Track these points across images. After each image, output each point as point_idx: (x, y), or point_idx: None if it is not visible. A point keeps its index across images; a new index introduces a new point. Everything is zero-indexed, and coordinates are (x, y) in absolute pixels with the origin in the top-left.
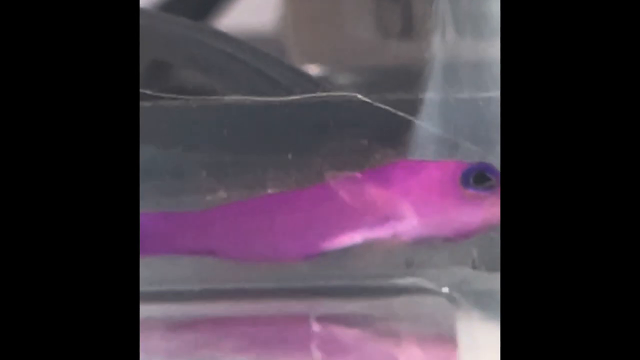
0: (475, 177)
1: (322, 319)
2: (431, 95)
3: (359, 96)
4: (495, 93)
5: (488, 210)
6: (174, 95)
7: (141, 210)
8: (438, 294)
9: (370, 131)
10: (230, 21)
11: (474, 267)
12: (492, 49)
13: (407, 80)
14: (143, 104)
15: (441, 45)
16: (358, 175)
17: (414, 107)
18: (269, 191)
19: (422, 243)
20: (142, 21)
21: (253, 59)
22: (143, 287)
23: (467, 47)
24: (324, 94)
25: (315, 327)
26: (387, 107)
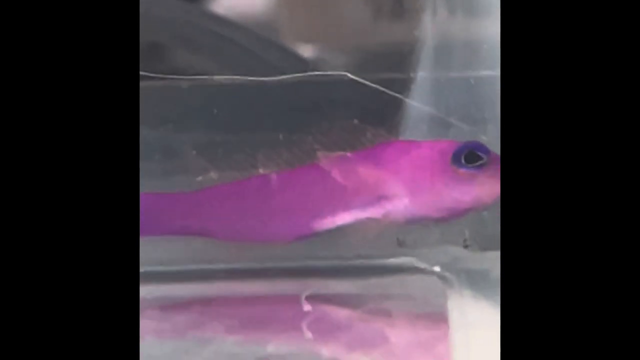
0: (466, 156)
1: (313, 298)
2: (423, 74)
3: (350, 75)
4: (487, 72)
5: (479, 189)
6: (164, 75)
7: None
8: (430, 273)
9: (362, 111)
10: (223, 3)
11: (466, 246)
12: (484, 28)
13: (398, 60)
14: None
15: (432, 24)
16: (349, 155)
17: (405, 86)
18: (260, 171)
19: (414, 222)
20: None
21: (243, 39)
22: None
23: (458, 26)
24: (315, 73)
25: (306, 307)
26: (378, 87)
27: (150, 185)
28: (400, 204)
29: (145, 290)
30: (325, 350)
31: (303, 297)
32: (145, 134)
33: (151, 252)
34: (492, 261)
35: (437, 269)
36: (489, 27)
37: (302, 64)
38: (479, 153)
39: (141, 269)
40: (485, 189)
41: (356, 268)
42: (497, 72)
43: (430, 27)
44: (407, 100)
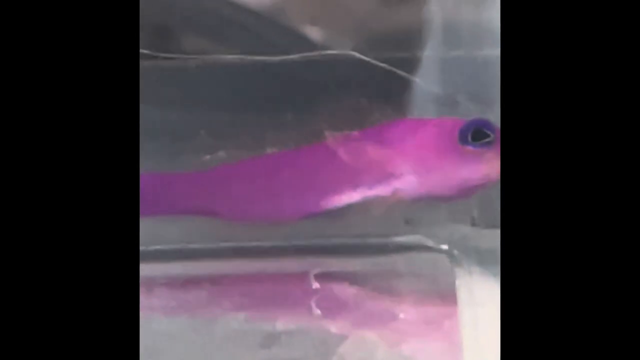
0: (473, 133)
1: (322, 276)
2: (430, 53)
3: (357, 55)
4: (494, 51)
5: (487, 167)
6: (172, 55)
7: (141, 171)
8: (437, 251)
9: (369, 90)
10: None
11: (474, 225)
12: (491, 8)
13: (405, 39)
14: (142, 63)
15: (439, 4)
16: (356, 134)
17: (412, 65)
18: (268, 151)
19: (422, 200)
20: None
21: (250, 19)
22: (144, 247)
23: (466, 6)
24: (323, 52)
25: (315, 285)
26: (386, 66)
27: (158, 165)
28: (407, 182)
29: (154, 269)
30: (334, 327)
31: (312, 274)
32: (153, 113)
33: (159, 230)
34: (499, 239)
35: (445, 247)
36: (495, 8)
37: (309, 44)
38: (486, 130)
39: (149, 248)
40: (492, 166)
41: (364, 246)
42: None
43: (437, 7)
44: (414, 79)
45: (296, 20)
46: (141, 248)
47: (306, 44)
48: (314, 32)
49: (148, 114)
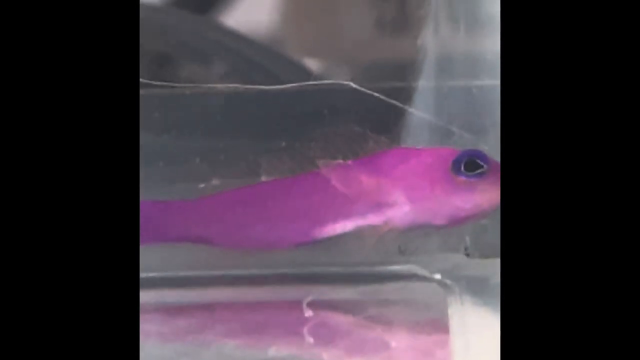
0: (466, 164)
1: (314, 305)
2: (424, 83)
3: (352, 84)
4: (489, 81)
5: (480, 197)
6: (168, 83)
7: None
8: (430, 280)
9: (364, 119)
10: (237, 17)
11: (467, 254)
12: (486, 40)
13: (400, 70)
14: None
15: (435, 36)
16: (350, 162)
17: (407, 95)
18: (262, 178)
19: (415, 230)
20: (144, 14)
21: (247, 49)
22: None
23: (461, 38)
24: (317, 82)
25: (308, 313)
26: (380, 95)
27: (153, 192)
28: (400, 211)
29: (148, 296)
30: (326, 356)
31: (305, 303)
32: (149, 140)
33: (153, 258)
34: (492, 268)
35: (437, 276)
36: (491, 38)
37: (305, 73)
38: (479, 161)
39: (144, 275)
40: (485, 197)
41: (357, 275)
42: (498, 82)
43: (432, 38)
44: (408, 108)
45: (293, 50)
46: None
47: (303, 73)
48: (310, 62)
49: (143, 141)
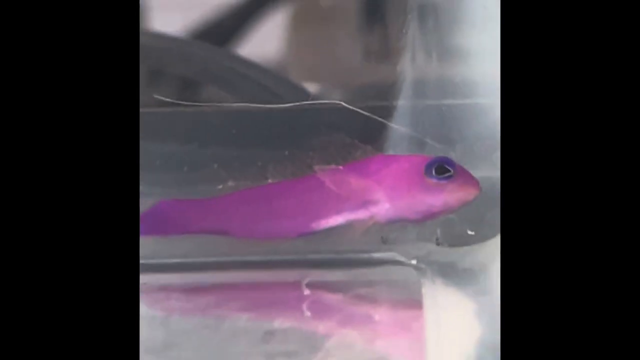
0: (436, 168)
1: (312, 285)
2: (403, 102)
3: (344, 103)
4: (455, 101)
5: (448, 196)
6: (192, 103)
7: (163, 197)
8: (407, 265)
9: (353, 132)
10: (249, 48)
11: (438, 243)
12: (453, 66)
13: (383, 91)
14: (166, 109)
15: (411, 64)
16: (341, 167)
17: (388, 112)
18: (269, 181)
19: (394, 223)
20: (172, 44)
21: (256, 74)
22: (164, 260)
23: (433, 65)
24: (315, 102)
25: (306, 292)
26: (366, 112)
27: (179, 193)
28: (382, 207)
29: (174, 278)
30: (321, 327)
31: (303, 283)
32: (176, 150)
33: (178, 247)
34: (459, 255)
35: (413, 261)
36: (458, 65)
37: (304, 94)
38: (447, 166)
39: (171, 261)
40: (452, 196)
41: (347, 260)
42: (464, 101)
43: (409, 65)
44: (389, 123)
45: (295, 75)
46: (163, 261)
47: (303, 94)
48: (309, 85)
49: (170, 151)
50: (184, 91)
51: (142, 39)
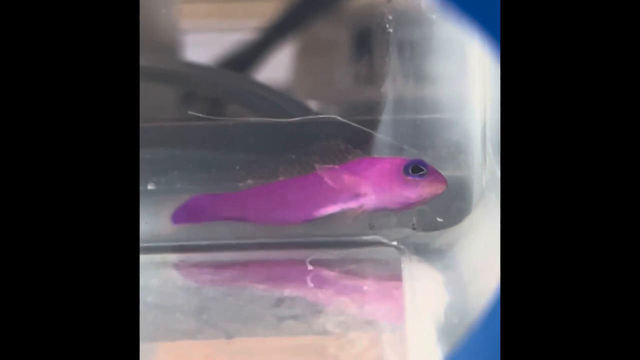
0: (412, 168)
1: (313, 262)
2: (386, 117)
3: (339, 118)
4: (428, 116)
5: (422, 190)
6: (218, 117)
7: (195, 194)
8: (390, 246)
9: (346, 139)
10: (264, 74)
11: (414, 228)
12: (426, 88)
13: (370, 108)
14: (196, 123)
15: (393, 85)
16: (337, 167)
17: (374, 125)
18: (280, 178)
19: (379, 212)
20: (202, 72)
21: (269, 94)
22: (198, 242)
23: (410, 87)
24: (316, 116)
25: (309, 268)
26: (357, 125)
27: (208, 189)
28: (369, 199)
29: (204, 257)
30: (321, 295)
31: (307, 261)
32: (206, 156)
33: (208, 232)
34: (431, 238)
35: (395, 243)
36: (430, 86)
37: (307, 110)
38: (421, 166)
39: (202, 243)
40: (425, 190)
41: (341, 242)
42: (434, 115)
43: (391, 87)
44: (375, 133)
45: (300, 95)
46: (196, 243)
47: (306, 110)
48: (311, 103)
49: (202, 156)
50: (211, 108)
51: (180, 68)
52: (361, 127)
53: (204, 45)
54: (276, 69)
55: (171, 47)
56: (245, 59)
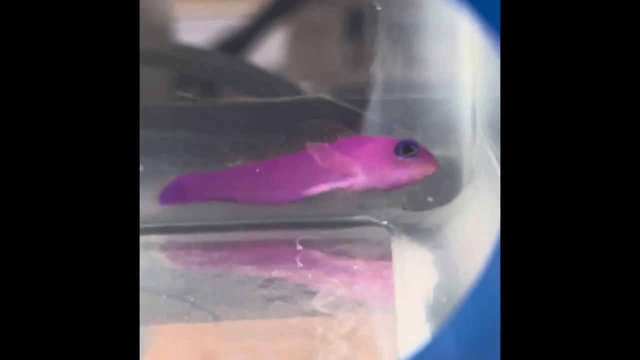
0: (403, 148)
1: (303, 242)
2: (375, 96)
3: (329, 97)
4: (417, 96)
5: (412, 171)
6: (210, 97)
7: (186, 173)
8: (380, 225)
9: (336, 118)
10: (258, 57)
11: (404, 208)
12: (415, 69)
13: (360, 88)
14: (186, 104)
15: (382, 66)
16: (327, 145)
17: (364, 104)
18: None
19: (369, 191)
20: (196, 57)
21: (260, 75)
22: (185, 224)
23: (398, 68)
24: (307, 96)
25: (299, 247)
26: (347, 105)
27: (198, 168)
28: (359, 179)
29: (193, 237)
30: (310, 275)
31: (297, 241)
32: (195, 136)
33: (196, 212)
34: (420, 217)
35: (384, 222)
36: (418, 67)
37: (297, 90)
38: (412, 147)
39: (190, 224)
40: (416, 170)
41: (331, 222)
42: (423, 95)
43: (380, 68)
44: (365, 113)
45: (292, 75)
46: (184, 224)
47: (298, 90)
48: (303, 83)
49: (191, 136)
50: (204, 89)
51: (172, 50)
52: (351, 107)
53: (197, 30)
54: (268, 51)
55: (163, 30)
56: (238, 42)
